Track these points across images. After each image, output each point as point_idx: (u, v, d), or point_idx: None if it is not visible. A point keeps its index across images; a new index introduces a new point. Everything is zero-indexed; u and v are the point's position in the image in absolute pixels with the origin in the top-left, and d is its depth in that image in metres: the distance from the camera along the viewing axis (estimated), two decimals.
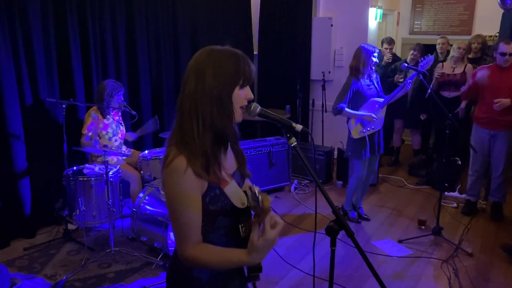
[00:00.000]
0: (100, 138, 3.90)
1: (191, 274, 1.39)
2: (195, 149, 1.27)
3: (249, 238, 1.27)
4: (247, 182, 1.53)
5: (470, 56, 5.35)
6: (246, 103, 1.34)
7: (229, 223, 1.38)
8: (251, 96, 1.35)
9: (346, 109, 3.87)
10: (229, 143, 1.43)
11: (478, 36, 5.44)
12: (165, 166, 1.28)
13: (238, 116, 1.35)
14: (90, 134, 3.83)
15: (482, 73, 4.10)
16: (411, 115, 5.74)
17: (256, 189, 1.28)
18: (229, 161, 1.43)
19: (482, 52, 5.35)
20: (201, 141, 1.28)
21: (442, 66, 5.16)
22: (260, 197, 1.26)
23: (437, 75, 5.10)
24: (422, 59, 3.82)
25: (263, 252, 1.26)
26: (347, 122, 4.02)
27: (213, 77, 1.27)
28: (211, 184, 1.31)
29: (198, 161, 1.27)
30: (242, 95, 1.33)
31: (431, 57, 3.82)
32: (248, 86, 1.34)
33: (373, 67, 3.89)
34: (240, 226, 1.37)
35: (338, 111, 3.87)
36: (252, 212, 1.37)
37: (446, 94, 5.17)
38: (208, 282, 1.40)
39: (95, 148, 3.71)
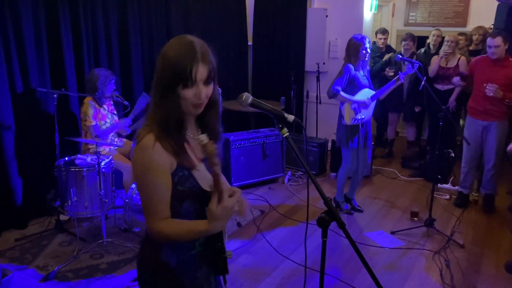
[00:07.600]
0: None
1: (159, 260, 1.41)
2: (162, 128, 1.30)
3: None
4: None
5: (471, 48, 5.32)
6: (198, 101, 1.31)
7: (197, 208, 1.39)
8: (201, 95, 1.29)
9: (342, 92, 3.84)
10: (199, 129, 1.44)
11: (480, 27, 5.38)
12: (136, 144, 1.31)
13: (188, 111, 1.33)
14: (96, 123, 3.77)
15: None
16: (407, 107, 5.75)
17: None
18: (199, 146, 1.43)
19: (483, 44, 5.30)
20: (166, 122, 1.31)
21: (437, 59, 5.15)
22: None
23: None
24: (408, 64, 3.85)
25: (222, 220, 1.30)
26: (340, 107, 3.99)
27: (161, 71, 1.31)
28: (180, 165, 1.33)
29: (167, 139, 1.30)
30: (189, 94, 1.29)
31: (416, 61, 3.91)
32: (201, 84, 1.29)
33: (366, 60, 3.86)
34: (207, 210, 1.36)
35: (333, 94, 3.83)
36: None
37: (439, 87, 5.18)
38: (175, 268, 1.42)
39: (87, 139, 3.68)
